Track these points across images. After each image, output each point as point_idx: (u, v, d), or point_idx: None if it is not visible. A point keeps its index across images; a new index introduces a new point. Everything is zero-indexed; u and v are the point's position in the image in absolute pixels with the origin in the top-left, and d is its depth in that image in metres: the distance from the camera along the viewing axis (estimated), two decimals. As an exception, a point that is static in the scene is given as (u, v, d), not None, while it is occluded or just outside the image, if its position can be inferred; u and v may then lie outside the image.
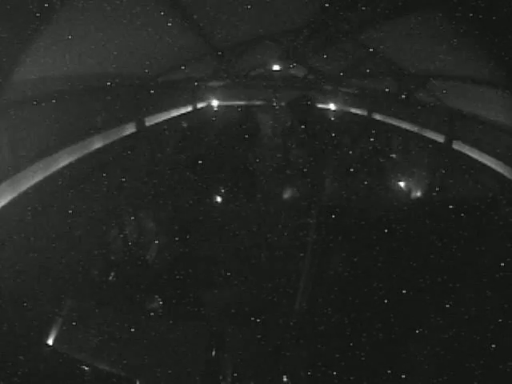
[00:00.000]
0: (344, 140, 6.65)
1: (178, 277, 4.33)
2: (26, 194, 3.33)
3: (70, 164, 4.13)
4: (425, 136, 5.43)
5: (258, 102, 14.33)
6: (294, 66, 9.45)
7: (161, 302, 4.28)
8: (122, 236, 5.28)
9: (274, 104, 14.69)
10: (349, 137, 6.67)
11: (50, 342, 1.71)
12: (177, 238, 5.05)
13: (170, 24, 3.46)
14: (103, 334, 1.95)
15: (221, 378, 1.31)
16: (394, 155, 6.27)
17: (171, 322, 2.05)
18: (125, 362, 1.69)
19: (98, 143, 4.86)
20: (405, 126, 8.61)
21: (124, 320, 2.08)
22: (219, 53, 5.33)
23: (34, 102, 3.40)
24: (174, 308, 4.19)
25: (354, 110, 11.17)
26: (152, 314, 3.94)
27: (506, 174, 4.97)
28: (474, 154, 5.91)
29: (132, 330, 1.99)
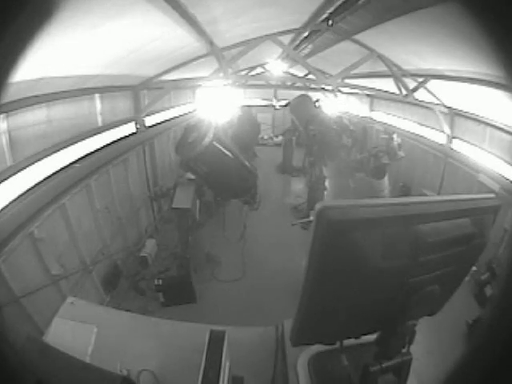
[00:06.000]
0: (344, 140, 6.64)
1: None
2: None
3: (71, 163, 4.12)
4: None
5: (258, 102, 14.25)
6: (294, 66, 9.47)
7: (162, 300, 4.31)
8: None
9: (274, 104, 14.63)
10: (349, 137, 6.67)
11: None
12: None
13: (170, 24, 3.46)
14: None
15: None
16: (394, 155, 6.26)
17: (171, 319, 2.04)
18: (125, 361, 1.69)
19: (98, 143, 4.85)
20: (405, 125, 8.63)
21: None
22: (220, 52, 5.32)
23: (34, 102, 3.39)
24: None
25: (354, 110, 11.16)
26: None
27: (506, 174, 4.97)
28: (474, 154, 5.91)
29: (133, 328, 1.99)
